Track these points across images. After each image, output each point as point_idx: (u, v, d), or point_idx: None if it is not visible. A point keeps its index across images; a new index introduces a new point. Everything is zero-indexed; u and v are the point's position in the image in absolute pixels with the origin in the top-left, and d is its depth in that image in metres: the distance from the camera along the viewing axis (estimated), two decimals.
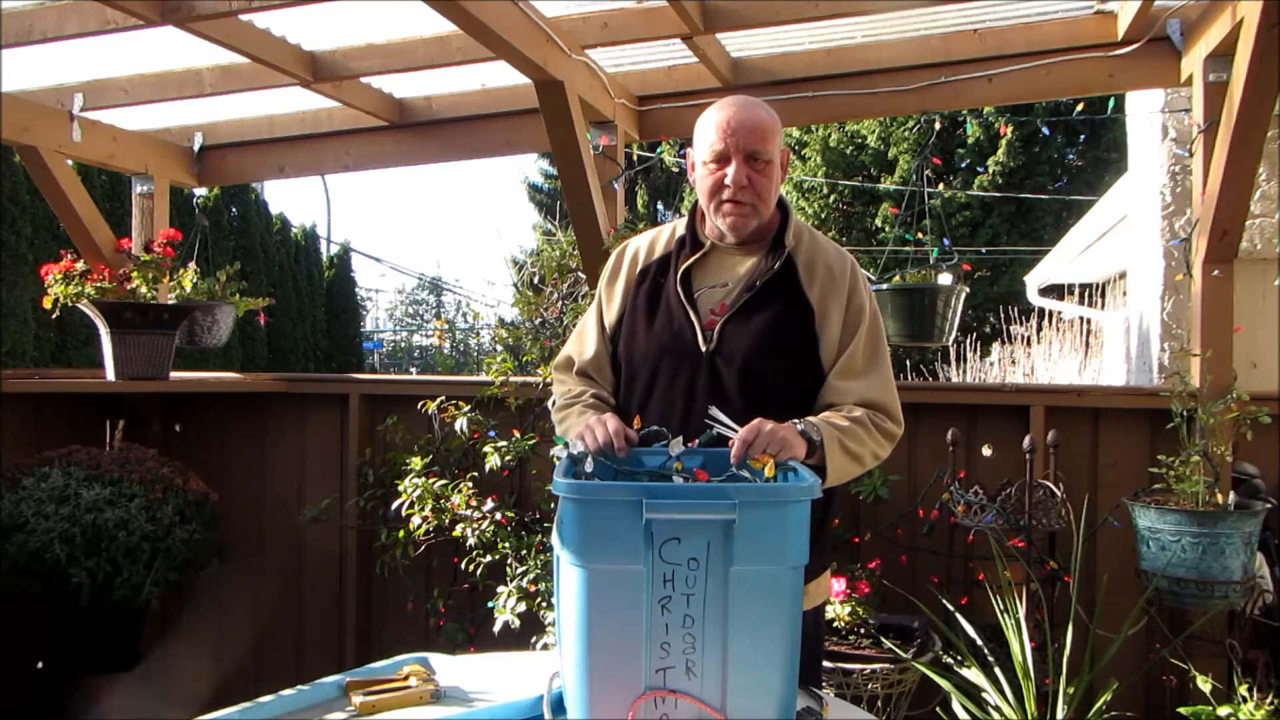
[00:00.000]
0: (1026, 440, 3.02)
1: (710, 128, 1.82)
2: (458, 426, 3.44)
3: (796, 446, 1.60)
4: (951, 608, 2.81)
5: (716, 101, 1.87)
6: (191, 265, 3.93)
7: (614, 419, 1.66)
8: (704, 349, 1.82)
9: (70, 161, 3.99)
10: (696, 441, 1.65)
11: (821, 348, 1.84)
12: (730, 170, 1.80)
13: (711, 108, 1.86)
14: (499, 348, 4.21)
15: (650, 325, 1.88)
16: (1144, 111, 5.33)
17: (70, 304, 3.44)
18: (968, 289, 3.55)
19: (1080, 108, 3.85)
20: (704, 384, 1.81)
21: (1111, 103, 3.83)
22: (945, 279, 3.46)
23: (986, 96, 3.56)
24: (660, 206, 17.09)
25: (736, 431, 1.58)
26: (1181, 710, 2.64)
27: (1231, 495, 2.88)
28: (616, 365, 1.96)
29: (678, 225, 1.97)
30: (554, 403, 1.97)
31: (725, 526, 1.29)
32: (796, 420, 1.68)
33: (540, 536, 3.34)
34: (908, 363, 11.27)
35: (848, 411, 1.78)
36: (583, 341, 2.00)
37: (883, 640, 2.81)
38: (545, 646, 3.07)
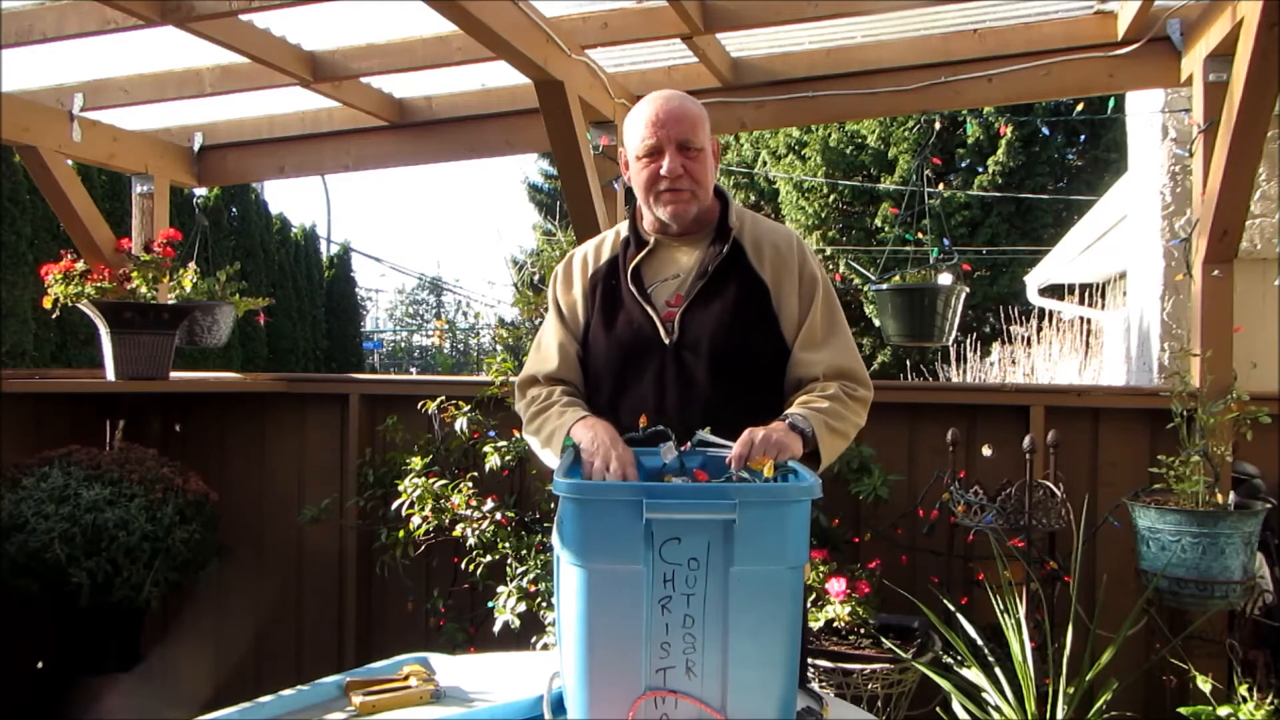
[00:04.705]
0: (1026, 440, 3.02)
1: (640, 124, 1.84)
2: (458, 426, 3.44)
3: (793, 445, 1.60)
4: (951, 608, 2.81)
5: (642, 99, 1.88)
6: (191, 265, 3.93)
7: (621, 443, 1.62)
8: (667, 341, 1.83)
9: (70, 161, 3.99)
10: (688, 445, 1.65)
11: (782, 323, 1.86)
12: (665, 161, 1.81)
13: (639, 104, 1.87)
14: (499, 348, 4.21)
15: (610, 328, 1.88)
16: (1144, 111, 5.32)
17: (70, 304, 3.44)
18: (968, 289, 3.55)
19: (1080, 108, 3.85)
20: (672, 375, 1.82)
21: (1111, 103, 3.83)
22: (945, 279, 3.46)
23: (986, 96, 3.57)
24: None
25: (730, 448, 1.57)
26: (1181, 710, 2.64)
27: (1231, 495, 2.88)
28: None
29: (620, 228, 1.98)
30: (526, 415, 1.91)
31: (725, 526, 1.29)
32: (784, 415, 1.69)
33: (540, 536, 3.34)
34: (908, 363, 11.27)
35: (821, 390, 1.79)
36: (545, 354, 1.96)
37: (883, 640, 2.81)
38: (545, 646, 3.07)
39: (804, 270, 1.89)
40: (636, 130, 1.85)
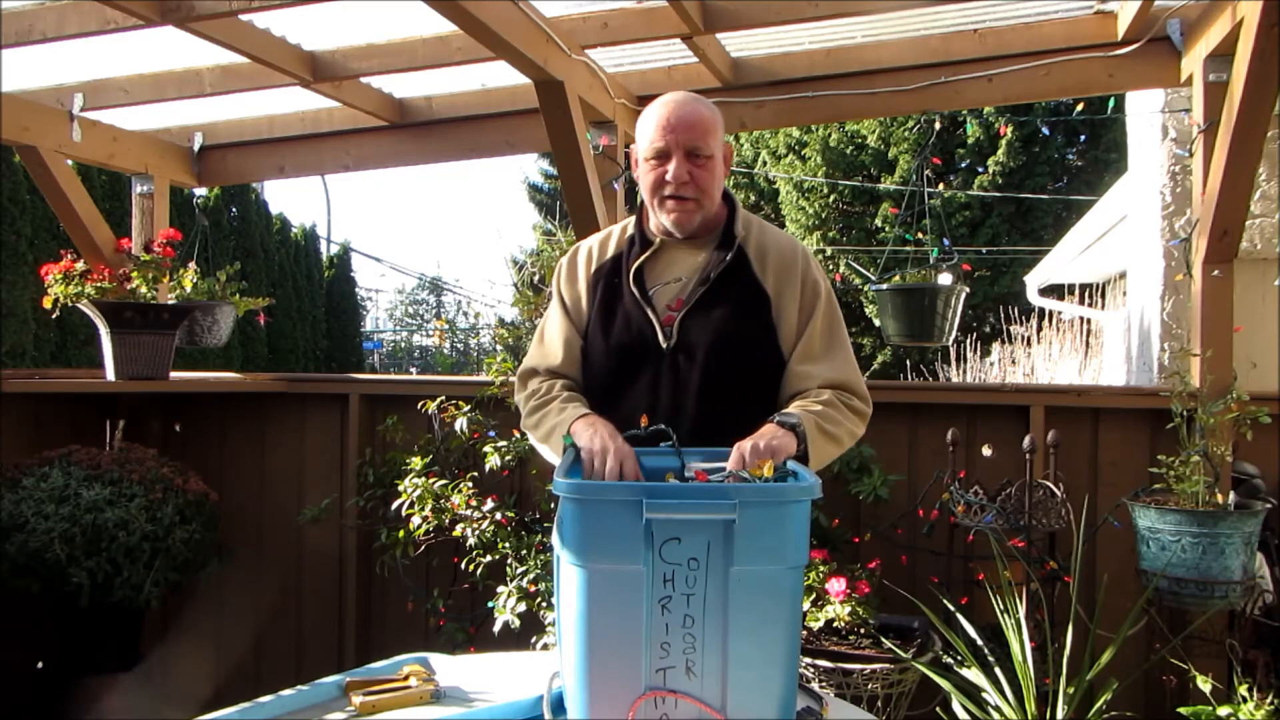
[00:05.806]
0: (1026, 440, 3.02)
1: (651, 125, 1.82)
2: (458, 426, 3.44)
3: (786, 445, 1.59)
4: (951, 608, 2.81)
5: (657, 98, 1.86)
6: (191, 265, 3.93)
7: (622, 442, 1.62)
8: (665, 345, 1.82)
9: (70, 161, 3.99)
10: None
11: (780, 335, 1.84)
12: (671, 166, 1.80)
13: (652, 104, 1.85)
14: (499, 348, 4.21)
15: (609, 327, 1.87)
16: (1144, 111, 5.32)
17: (70, 304, 3.44)
18: (968, 289, 3.55)
19: (1080, 108, 3.85)
20: (666, 380, 1.81)
21: (1111, 103, 3.83)
22: (945, 279, 3.46)
23: (986, 96, 3.57)
24: None
25: (723, 470, 1.55)
26: (1181, 710, 2.64)
27: (1231, 495, 2.88)
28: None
29: (628, 224, 1.96)
30: (526, 408, 1.89)
31: (725, 526, 1.29)
32: (774, 414, 1.68)
33: (540, 536, 3.34)
34: (908, 363, 11.27)
35: (815, 396, 1.78)
36: (548, 347, 1.94)
37: (883, 640, 2.80)
38: (545, 646, 3.07)
39: (806, 281, 1.86)
40: (647, 131, 1.83)
